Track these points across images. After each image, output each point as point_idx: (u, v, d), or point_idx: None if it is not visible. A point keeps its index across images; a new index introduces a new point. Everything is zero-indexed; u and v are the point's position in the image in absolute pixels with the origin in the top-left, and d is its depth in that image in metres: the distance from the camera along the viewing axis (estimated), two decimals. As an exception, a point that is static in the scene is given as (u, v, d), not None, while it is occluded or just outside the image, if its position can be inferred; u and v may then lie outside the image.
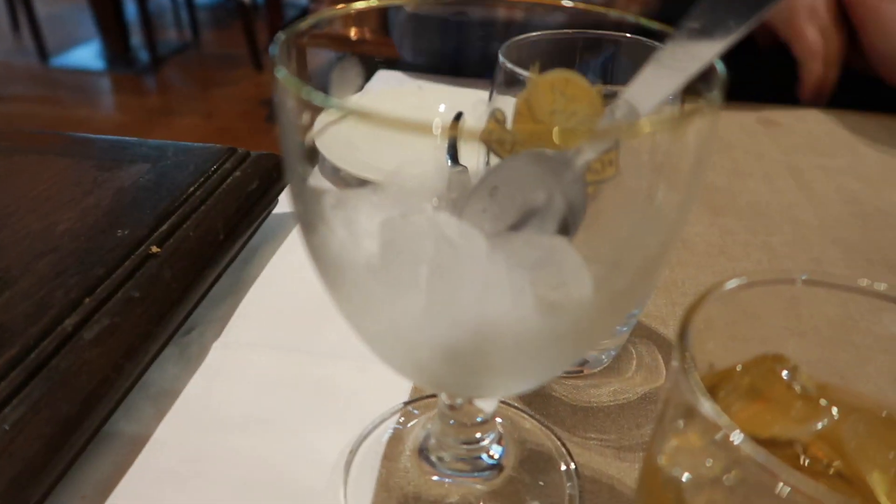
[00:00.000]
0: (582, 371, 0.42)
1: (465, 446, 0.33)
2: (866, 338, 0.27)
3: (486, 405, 0.31)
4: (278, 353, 0.43)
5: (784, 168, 0.68)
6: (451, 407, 0.32)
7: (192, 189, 0.47)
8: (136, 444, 0.37)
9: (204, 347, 0.44)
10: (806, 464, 0.26)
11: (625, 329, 0.43)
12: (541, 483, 0.34)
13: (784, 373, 0.27)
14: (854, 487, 0.25)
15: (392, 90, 0.74)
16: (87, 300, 0.37)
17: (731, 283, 0.24)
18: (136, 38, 3.72)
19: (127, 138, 0.55)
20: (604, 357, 0.43)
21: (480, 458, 0.33)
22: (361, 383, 0.41)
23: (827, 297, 0.26)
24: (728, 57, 0.24)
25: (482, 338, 0.26)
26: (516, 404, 0.39)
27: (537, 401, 0.40)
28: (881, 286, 0.25)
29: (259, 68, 3.43)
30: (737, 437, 0.19)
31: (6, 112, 2.98)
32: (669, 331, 0.46)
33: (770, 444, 0.27)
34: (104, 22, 3.58)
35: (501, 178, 0.30)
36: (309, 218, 0.26)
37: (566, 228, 0.28)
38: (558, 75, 0.31)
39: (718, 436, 0.20)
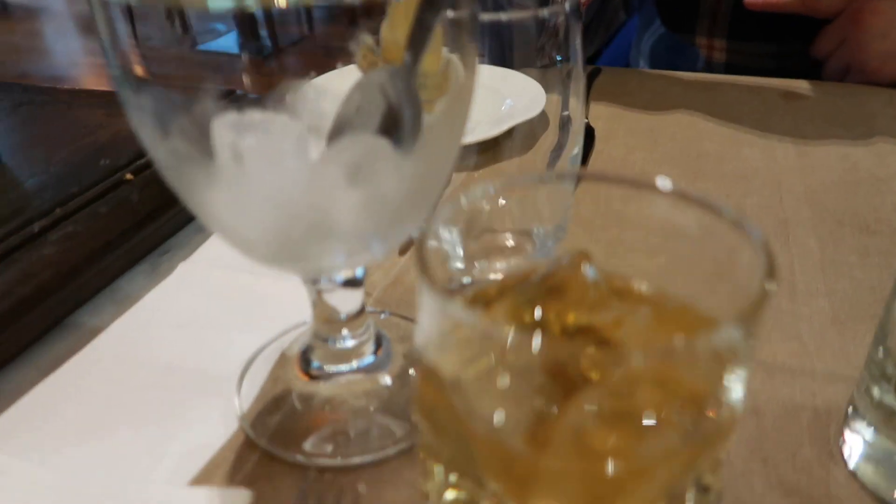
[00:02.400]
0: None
1: (328, 343, 0.36)
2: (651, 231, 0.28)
3: (345, 304, 0.35)
4: (233, 272, 0.49)
5: (788, 138, 0.66)
6: (318, 292, 0.35)
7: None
8: (91, 334, 0.43)
9: (173, 266, 0.50)
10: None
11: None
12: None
13: (584, 266, 0.29)
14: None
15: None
16: (57, 210, 0.44)
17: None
18: (264, 31, 4.02)
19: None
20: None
21: (348, 359, 0.37)
22: (300, 300, 0.46)
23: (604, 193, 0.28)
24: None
25: (312, 225, 0.30)
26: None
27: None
28: (661, 181, 0.26)
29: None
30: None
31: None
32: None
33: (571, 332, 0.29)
34: (239, 16, 3.90)
35: (362, 95, 0.34)
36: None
37: (394, 133, 0.31)
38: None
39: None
